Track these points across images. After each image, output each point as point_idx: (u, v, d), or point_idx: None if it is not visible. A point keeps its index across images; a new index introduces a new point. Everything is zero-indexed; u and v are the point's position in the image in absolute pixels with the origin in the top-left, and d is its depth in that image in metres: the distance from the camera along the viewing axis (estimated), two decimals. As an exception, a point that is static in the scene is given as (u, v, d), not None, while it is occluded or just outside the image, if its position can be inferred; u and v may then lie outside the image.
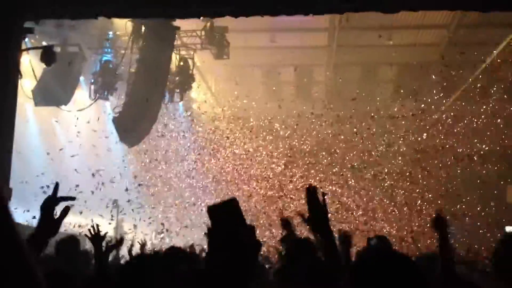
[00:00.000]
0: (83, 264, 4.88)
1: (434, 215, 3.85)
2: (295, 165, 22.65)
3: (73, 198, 2.78)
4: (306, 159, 22.54)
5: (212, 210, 1.55)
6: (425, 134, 21.39)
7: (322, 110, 21.50)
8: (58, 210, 2.81)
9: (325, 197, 2.46)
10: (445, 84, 19.48)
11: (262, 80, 21.41)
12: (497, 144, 19.91)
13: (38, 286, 0.94)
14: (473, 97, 18.80)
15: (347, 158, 21.98)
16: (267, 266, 7.86)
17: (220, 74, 20.27)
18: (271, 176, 22.39)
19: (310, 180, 21.96)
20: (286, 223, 5.05)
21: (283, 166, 22.55)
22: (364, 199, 21.87)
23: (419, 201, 21.25)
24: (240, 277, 1.49)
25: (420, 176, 21.53)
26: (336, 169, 22.07)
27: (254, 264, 1.61)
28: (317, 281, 2.94)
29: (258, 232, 20.04)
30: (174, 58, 15.54)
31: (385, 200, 21.75)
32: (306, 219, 2.43)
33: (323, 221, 2.39)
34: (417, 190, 21.47)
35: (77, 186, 14.88)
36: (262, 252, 12.11)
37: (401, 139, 21.53)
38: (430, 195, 21.22)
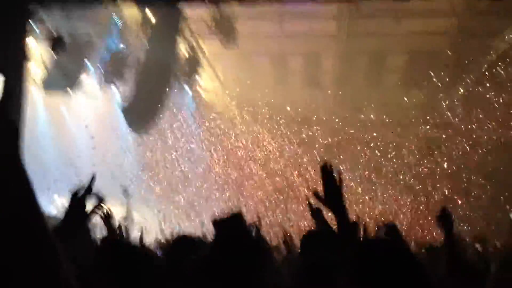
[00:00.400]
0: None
1: (440, 209, 3.84)
2: (304, 155, 22.65)
3: (101, 199, 2.81)
4: (315, 147, 22.53)
5: (218, 223, 1.54)
6: (435, 123, 21.30)
7: (331, 98, 21.45)
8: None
9: (341, 175, 2.46)
10: (455, 72, 19.34)
11: (270, 67, 21.33)
12: (508, 133, 19.79)
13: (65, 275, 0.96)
14: (483, 86, 18.64)
15: (356, 148, 21.96)
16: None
17: (228, 61, 20.23)
18: (279, 167, 22.42)
19: (316, 170, 21.95)
20: (316, 213, 4.36)
21: (292, 157, 22.57)
22: (374, 190, 21.83)
23: (428, 193, 21.22)
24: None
25: (430, 166, 21.49)
26: (345, 157, 22.06)
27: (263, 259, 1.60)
28: (316, 280, 2.93)
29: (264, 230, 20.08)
30: (182, 46, 15.53)
31: (394, 192, 21.72)
32: (320, 197, 2.45)
33: (338, 197, 2.40)
34: (427, 181, 21.43)
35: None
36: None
37: (411, 128, 21.46)
38: (439, 186, 21.18)
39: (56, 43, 9.63)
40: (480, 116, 19.94)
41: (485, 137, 19.80)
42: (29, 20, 9.67)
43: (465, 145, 20.33)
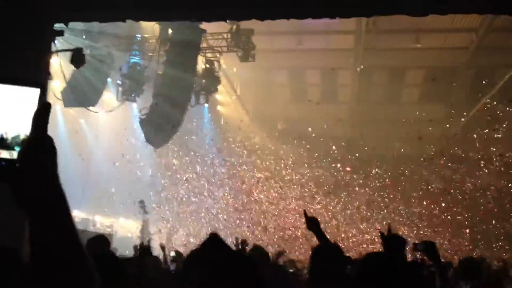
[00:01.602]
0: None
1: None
2: (322, 171, 22.56)
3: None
4: (332, 163, 22.43)
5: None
6: (455, 139, 21.10)
7: (348, 113, 21.37)
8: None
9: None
10: (474, 88, 19.20)
11: (288, 82, 21.37)
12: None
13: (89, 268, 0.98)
14: (502, 102, 18.43)
15: (374, 163, 21.79)
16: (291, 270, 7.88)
17: (245, 76, 20.31)
18: (293, 179, 22.32)
19: (332, 185, 21.90)
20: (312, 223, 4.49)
21: (310, 173, 22.48)
22: (391, 206, 21.61)
23: (449, 212, 20.95)
24: None
25: (449, 183, 21.27)
26: (362, 174, 21.95)
27: None
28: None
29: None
30: (200, 60, 15.63)
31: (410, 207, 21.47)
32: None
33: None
34: (447, 198, 21.19)
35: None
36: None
37: (430, 144, 21.29)
38: (458, 203, 20.92)
39: (75, 56, 9.73)
40: (500, 132, 19.79)
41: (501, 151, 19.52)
42: (54, 40, 9.79)
43: (484, 160, 20.05)
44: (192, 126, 19.61)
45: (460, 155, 20.90)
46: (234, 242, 9.15)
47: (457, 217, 20.59)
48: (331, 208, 21.39)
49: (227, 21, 14.54)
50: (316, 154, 22.37)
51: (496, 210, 19.74)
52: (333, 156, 22.43)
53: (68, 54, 10.79)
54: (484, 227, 20.04)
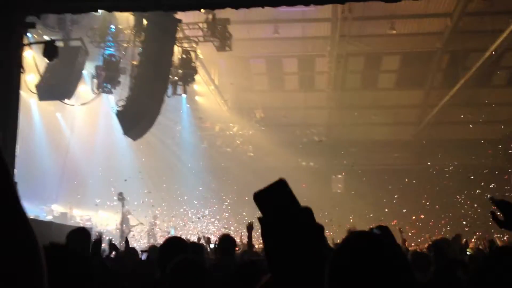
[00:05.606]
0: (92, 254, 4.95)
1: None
2: (299, 156, 22.64)
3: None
4: (311, 150, 22.52)
5: (260, 197, 1.39)
6: (430, 123, 21.32)
7: (326, 100, 21.44)
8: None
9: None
10: (449, 72, 19.40)
11: (265, 71, 21.34)
12: (502, 133, 19.88)
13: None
14: (477, 85, 18.66)
15: (351, 148, 21.95)
16: None
17: (223, 66, 20.22)
18: (273, 168, 22.34)
19: (313, 173, 21.97)
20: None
21: (288, 159, 22.55)
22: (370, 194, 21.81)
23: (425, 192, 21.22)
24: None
25: (425, 165, 21.53)
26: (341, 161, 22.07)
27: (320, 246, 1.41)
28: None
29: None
30: (176, 50, 15.50)
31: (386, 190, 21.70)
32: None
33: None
34: (421, 179, 21.44)
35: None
36: None
37: (405, 128, 21.46)
38: (435, 184, 21.19)
39: (48, 48, 9.56)
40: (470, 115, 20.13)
41: (482, 137, 19.82)
42: (26, 33, 9.63)
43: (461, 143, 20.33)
44: (170, 117, 19.50)
45: (437, 139, 21.16)
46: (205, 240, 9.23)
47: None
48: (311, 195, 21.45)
49: (202, 10, 14.46)
50: (294, 140, 22.45)
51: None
52: (312, 144, 22.53)
53: (42, 46, 10.61)
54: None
